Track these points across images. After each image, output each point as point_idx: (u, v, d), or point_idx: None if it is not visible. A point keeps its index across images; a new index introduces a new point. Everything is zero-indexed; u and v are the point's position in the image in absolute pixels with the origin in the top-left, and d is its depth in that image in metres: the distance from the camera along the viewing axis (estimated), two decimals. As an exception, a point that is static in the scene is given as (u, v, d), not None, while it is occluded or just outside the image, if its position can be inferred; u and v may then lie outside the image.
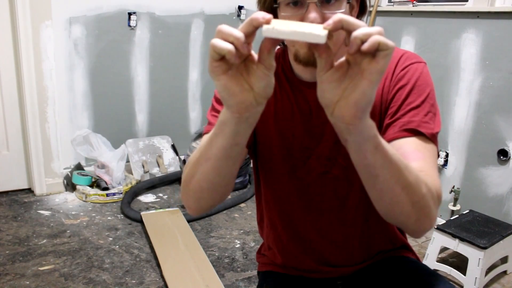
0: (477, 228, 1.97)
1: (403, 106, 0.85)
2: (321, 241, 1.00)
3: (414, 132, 0.81)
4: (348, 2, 0.83)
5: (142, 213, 2.45)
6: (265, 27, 0.54)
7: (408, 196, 0.69)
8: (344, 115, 0.59)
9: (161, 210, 2.54)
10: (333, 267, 1.02)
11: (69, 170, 2.79)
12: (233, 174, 0.80)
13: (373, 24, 2.72)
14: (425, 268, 1.01)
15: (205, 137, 0.85)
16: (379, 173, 0.66)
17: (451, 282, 0.97)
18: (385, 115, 0.87)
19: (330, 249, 1.00)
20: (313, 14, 0.77)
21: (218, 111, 0.91)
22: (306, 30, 0.54)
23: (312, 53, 0.79)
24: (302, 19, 0.78)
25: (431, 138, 0.82)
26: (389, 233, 1.03)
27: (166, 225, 2.33)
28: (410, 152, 0.80)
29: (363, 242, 1.00)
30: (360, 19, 0.87)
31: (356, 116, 0.59)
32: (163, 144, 3.07)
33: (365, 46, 0.53)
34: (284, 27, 0.54)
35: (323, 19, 0.77)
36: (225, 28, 0.56)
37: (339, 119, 0.60)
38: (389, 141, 0.83)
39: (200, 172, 0.77)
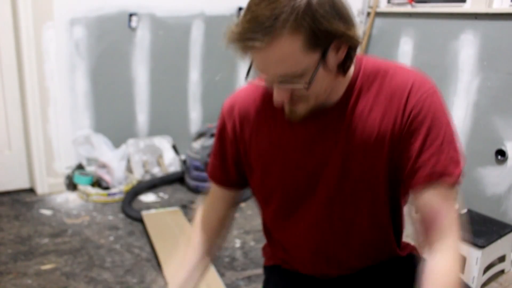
0: (475, 227, 1.98)
1: (425, 147, 0.83)
2: (321, 256, 1.01)
3: (440, 180, 0.83)
4: (323, 58, 0.77)
5: (143, 212, 2.46)
6: None
7: None
8: None
9: (161, 209, 2.55)
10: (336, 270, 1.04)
11: (71, 170, 2.81)
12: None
13: (371, 25, 2.73)
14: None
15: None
16: None
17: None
18: (398, 146, 0.85)
19: (332, 262, 1.01)
20: (276, 95, 0.81)
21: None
22: None
23: (292, 114, 0.86)
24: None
25: (457, 181, 0.84)
26: (395, 243, 1.02)
27: (167, 225, 2.35)
28: (438, 207, 0.83)
29: (367, 256, 1.00)
30: (352, 56, 0.82)
31: None
32: (164, 144, 3.09)
33: None
34: None
35: (289, 91, 0.80)
36: None
37: None
38: (416, 191, 0.84)
39: None
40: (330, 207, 0.93)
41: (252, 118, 0.96)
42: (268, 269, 1.15)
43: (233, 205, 1.10)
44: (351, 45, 0.80)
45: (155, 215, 2.46)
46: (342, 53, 0.79)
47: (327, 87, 0.83)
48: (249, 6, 0.75)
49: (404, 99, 0.84)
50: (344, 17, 0.76)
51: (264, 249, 1.17)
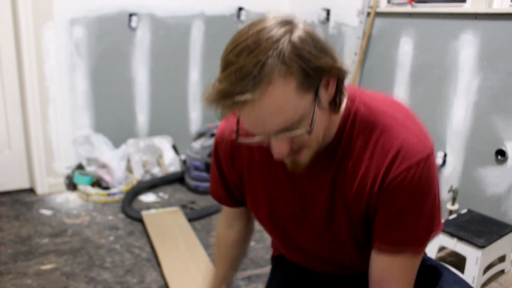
0: (475, 227, 1.98)
1: (396, 219, 0.80)
2: (321, 268, 1.03)
3: (401, 251, 0.81)
4: (316, 97, 0.73)
5: (142, 212, 2.46)
6: None
7: None
8: None
9: (161, 209, 2.55)
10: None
11: (71, 170, 2.81)
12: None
13: (371, 26, 2.73)
14: (429, 259, 1.04)
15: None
16: None
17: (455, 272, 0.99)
18: (374, 205, 0.82)
19: (334, 266, 1.02)
20: (276, 149, 0.75)
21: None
22: None
23: (295, 165, 0.81)
24: (270, 143, 0.76)
25: (422, 251, 0.82)
26: None
27: (167, 225, 2.35)
28: (391, 277, 0.82)
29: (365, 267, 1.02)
30: (341, 98, 0.79)
31: None
32: (164, 144, 3.09)
33: None
34: None
35: (289, 141, 0.75)
36: None
37: None
38: (375, 252, 0.83)
39: None
40: (319, 244, 0.94)
41: (244, 150, 0.94)
42: (275, 259, 1.17)
43: (248, 218, 1.11)
44: (340, 77, 0.76)
45: (155, 215, 2.46)
46: (332, 88, 0.76)
47: (325, 126, 0.79)
48: (228, 60, 0.69)
49: (384, 168, 0.78)
50: (327, 50, 0.73)
51: (272, 241, 1.19)
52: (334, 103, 0.78)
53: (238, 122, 0.78)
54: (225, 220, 1.12)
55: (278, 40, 0.68)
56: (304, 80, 0.69)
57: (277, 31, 0.69)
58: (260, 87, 0.66)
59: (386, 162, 0.78)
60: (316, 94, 0.72)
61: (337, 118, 0.82)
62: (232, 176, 0.99)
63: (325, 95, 0.75)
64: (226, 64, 0.70)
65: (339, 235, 0.89)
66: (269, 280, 1.15)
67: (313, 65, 0.69)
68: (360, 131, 0.82)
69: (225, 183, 1.02)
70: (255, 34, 0.69)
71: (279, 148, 0.75)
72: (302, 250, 0.99)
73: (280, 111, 0.69)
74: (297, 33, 0.70)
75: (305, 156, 0.79)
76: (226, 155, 0.96)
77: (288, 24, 0.71)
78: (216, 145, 0.98)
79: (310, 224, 0.91)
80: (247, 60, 0.67)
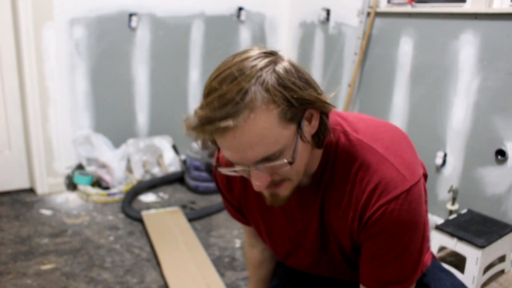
0: (475, 227, 1.98)
1: (378, 256, 0.79)
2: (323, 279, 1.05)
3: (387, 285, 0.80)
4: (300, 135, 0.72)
5: (142, 212, 2.46)
6: None
7: None
8: None
9: (161, 209, 2.56)
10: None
11: (71, 170, 2.81)
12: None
13: (371, 26, 2.73)
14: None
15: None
16: None
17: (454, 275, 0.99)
18: (357, 237, 0.82)
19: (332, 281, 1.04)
20: (256, 180, 0.73)
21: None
22: None
23: (275, 199, 0.80)
24: (250, 174, 0.74)
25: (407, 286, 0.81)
26: None
27: (166, 225, 2.35)
28: None
29: None
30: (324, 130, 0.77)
31: None
32: (164, 144, 3.09)
33: None
34: None
35: (270, 173, 0.73)
36: None
37: None
38: (363, 285, 0.84)
39: None
40: (317, 266, 0.96)
41: (238, 180, 0.95)
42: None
43: None
44: (324, 111, 0.74)
45: (155, 215, 2.46)
46: (315, 122, 0.74)
47: (307, 160, 0.77)
48: (211, 87, 0.68)
49: (362, 203, 0.77)
50: (311, 83, 0.72)
51: None
52: (318, 138, 0.76)
53: (218, 150, 0.77)
54: (248, 240, 1.13)
55: (262, 69, 0.67)
56: (287, 110, 0.68)
57: (262, 61, 0.68)
58: (243, 114, 0.65)
59: (364, 197, 0.77)
60: (299, 126, 0.71)
61: (320, 152, 0.81)
62: (233, 202, 1.01)
63: (308, 128, 0.74)
64: (209, 91, 0.69)
65: (335, 258, 0.91)
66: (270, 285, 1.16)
67: (297, 95, 0.68)
68: (341, 163, 0.81)
69: (235, 207, 1.03)
70: (239, 63, 0.68)
71: (259, 180, 0.73)
72: (303, 272, 1.03)
73: (262, 140, 0.67)
74: (282, 64, 0.69)
75: (285, 190, 0.77)
76: (223, 183, 0.98)
77: (273, 55, 0.71)
78: (214, 174, 0.99)
79: (307, 249, 0.93)
80: (230, 87, 0.66)
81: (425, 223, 0.79)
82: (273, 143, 0.69)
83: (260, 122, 0.66)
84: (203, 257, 2.06)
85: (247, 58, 0.69)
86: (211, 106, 0.66)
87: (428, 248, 0.83)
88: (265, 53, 0.70)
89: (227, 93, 0.65)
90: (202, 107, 0.68)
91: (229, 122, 0.65)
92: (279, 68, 0.68)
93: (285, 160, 0.70)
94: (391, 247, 0.77)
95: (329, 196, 0.83)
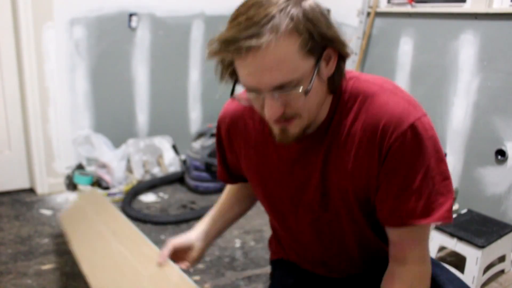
0: (475, 227, 1.99)
1: (398, 192, 0.79)
2: (318, 262, 1.03)
3: (409, 224, 0.80)
4: (316, 67, 0.74)
5: (60, 215, 1.99)
6: None
7: None
8: None
9: (76, 199, 2.10)
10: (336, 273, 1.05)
11: (71, 170, 2.81)
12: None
13: (371, 26, 2.73)
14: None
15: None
16: None
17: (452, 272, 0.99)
18: (371, 181, 0.82)
19: (331, 261, 1.02)
20: (269, 104, 0.74)
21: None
22: None
23: (284, 135, 0.80)
24: (263, 105, 0.76)
25: (429, 224, 0.81)
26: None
27: (88, 217, 1.73)
28: (403, 245, 0.83)
29: (364, 264, 1.01)
30: (342, 67, 0.80)
31: None
32: (164, 144, 3.09)
33: None
34: None
35: (284, 104, 0.75)
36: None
37: None
38: (385, 226, 0.84)
39: None
40: (316, 226, 0.94)
41: (240, 132, 0.97)
42: (274, 263, 1.17)
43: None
44: (342, 54, 0.78)
45: (72, 211, 1.94)
46: (332, 64, 0.77)
47: (320, 102, 0.80)
48: (238, 12, 0.72)
49: (378, 138, 0.78)
50: (333, 25, 0.75)
51: (270, 242, 1.19)
52: (333, 81, 0.79)
53: (235, 82, 0.80)
54: (231, 187, 1.17)
55: (289, 1, 0.71)
56: (308, 41, 0.71)
57: None
58: (266, 36, 0.68)
59: (379, 131, 0.78)
60: (318, 62, 0.74)
61: (330, 99, 0.84)
62: (231, 159, 1.03)
63: (325, 69, 0.77)
64: (236, 15, 0.71)
65: (336, 216, 0.90)
66: (270, 285, 1.15)
67: (319, 30, 0.72)
68: (349, 107, 0.82)
69: (228, 166, 1.06)
70: None
71: (273, 109, 0.74)
72: (299, 242, 1.01)
73: (280, 65, 0.70)
74: (308, 2, 0.73)
75: (295, 127, 0.79)
76: (225, 135, 1.00)
77: None
78: (219, 125, 1.01)
79: (306, 206, 0.91)
80: (257, 11, 0.69)
81: (441, 150, 0.80)
82: (291, 70, 0.71)
83: (282, 47, 0.69)
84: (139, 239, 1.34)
85: None
86: (237, 28, 0.69)
87: (451, 184, 0.82)
88: None
89: (253, 16, 0.69)
90: (227, 29, 0.71)
91: (252, 42, 0.67)
92: (306, 4, 0.72)
93: (300, 90, 0.72)
94: (411, 179, 0.77)
95: (336, 145, 0.83)
